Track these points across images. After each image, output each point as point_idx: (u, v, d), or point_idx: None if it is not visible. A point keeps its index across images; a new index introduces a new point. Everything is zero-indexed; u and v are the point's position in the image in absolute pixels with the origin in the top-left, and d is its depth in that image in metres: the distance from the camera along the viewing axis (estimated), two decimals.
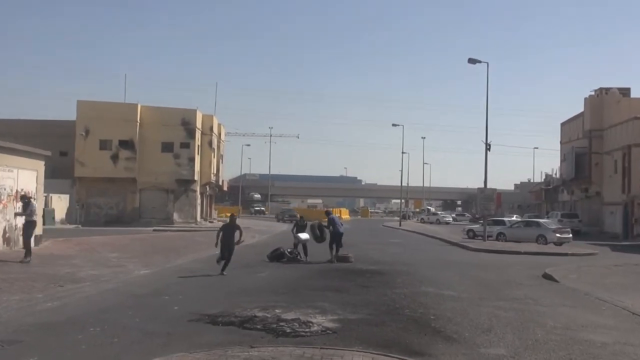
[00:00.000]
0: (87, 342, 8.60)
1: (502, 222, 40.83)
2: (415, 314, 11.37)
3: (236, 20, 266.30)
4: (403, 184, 75.34)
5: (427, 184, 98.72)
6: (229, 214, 23.50)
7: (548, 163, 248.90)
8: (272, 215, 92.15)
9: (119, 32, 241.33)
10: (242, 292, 13.71)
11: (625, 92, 57.13)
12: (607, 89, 56.94)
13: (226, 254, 17.22)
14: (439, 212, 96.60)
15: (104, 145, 50.39)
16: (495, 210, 44.02)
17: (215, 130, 58.07)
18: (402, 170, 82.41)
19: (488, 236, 35.59)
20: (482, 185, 38.52)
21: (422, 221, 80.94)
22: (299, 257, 21.81)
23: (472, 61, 36.02)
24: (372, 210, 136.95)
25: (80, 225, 44.77)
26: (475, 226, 42.65)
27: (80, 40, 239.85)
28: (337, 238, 21.98)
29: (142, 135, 50.87)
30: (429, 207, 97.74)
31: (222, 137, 64.58)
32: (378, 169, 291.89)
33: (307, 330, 9.58)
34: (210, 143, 56.52)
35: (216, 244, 17.46)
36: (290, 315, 10.66)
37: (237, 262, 21.27)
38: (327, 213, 24.23)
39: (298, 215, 30.06)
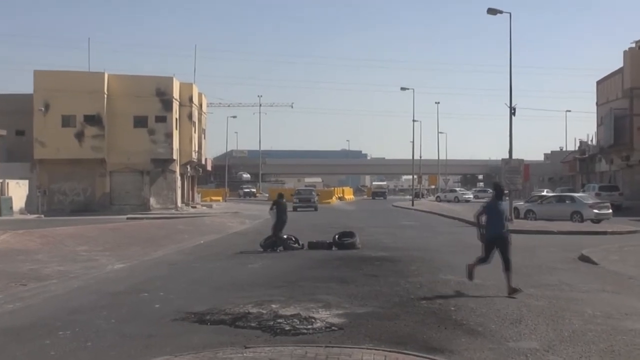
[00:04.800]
0: (57, 348, 8.66)
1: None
2: (433, 306, 11.44)
3: None
4: (415, 157, 75.32)
5: (442, 157, 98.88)
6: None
7: (583, 128, 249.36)
8: (264, 198, 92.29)
9: None
10: (233, 286, 13.78)
11: None
12: None
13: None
14: (458, 189, 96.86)
15: (66, 121, 50.22)
16: (523, 184, 43.93)
17: (195, 100, 57.95)
18: (413, 142, 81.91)
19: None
20: (507, 156, 38.51)
21: (438, 199, 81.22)
22: (296, 244, 21.94)
23: (492, 12, 35.84)
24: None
25: (42, 215, 44.81)
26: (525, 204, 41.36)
27: (36, 1, 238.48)
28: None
29: (111, 108, 50.69)
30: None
31: (204, 108, 64.47)
32: (386, 141, 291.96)
33: (309, 327, 9.64)
34: (190, 116, 56.39)
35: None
36: (289, 310, 10.72)
37: (227, 252, 21.41)
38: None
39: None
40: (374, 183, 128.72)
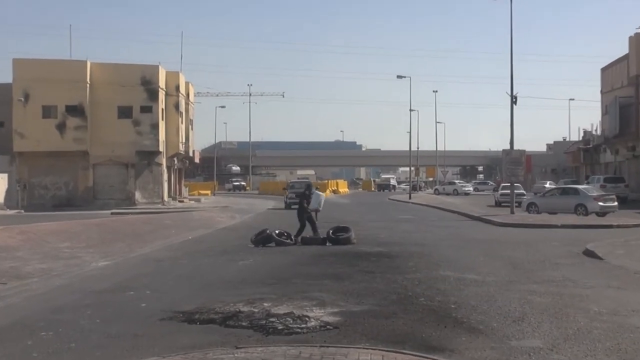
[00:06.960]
0: (39, 349, 8.64)
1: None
2: (432, 303, 11.45)
3: None
4: (412, 148, 75.28)
5: (441, 147, 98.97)
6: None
7: (587, 117, 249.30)
8: (254, 191, 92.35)
9: None
10: (223, 284, 13.79)
11: None
12: None
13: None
14: (457, 181, 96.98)
15: (47, 112, 50.14)
16: (525, 175, 44.04)
17: (182, 90, 57.86)
18: (410, 132, 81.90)
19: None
20: (508, 147, 38.62)
21: (437, 192, 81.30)
22: (289, 240, 21.91)
23: None
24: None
25: (22, 210, 44.77)
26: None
27: None
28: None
29: (94, 98, 50.59)
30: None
31: (191, 98, 64.41)
32: (381, 132, 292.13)
33: (302, 326, 9.65)
34: (176, 106, 56.31)
35: None
36: (282, 309, 10.72)
37: (216, 248, 21.39)
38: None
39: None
40: (382, 176, 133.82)
